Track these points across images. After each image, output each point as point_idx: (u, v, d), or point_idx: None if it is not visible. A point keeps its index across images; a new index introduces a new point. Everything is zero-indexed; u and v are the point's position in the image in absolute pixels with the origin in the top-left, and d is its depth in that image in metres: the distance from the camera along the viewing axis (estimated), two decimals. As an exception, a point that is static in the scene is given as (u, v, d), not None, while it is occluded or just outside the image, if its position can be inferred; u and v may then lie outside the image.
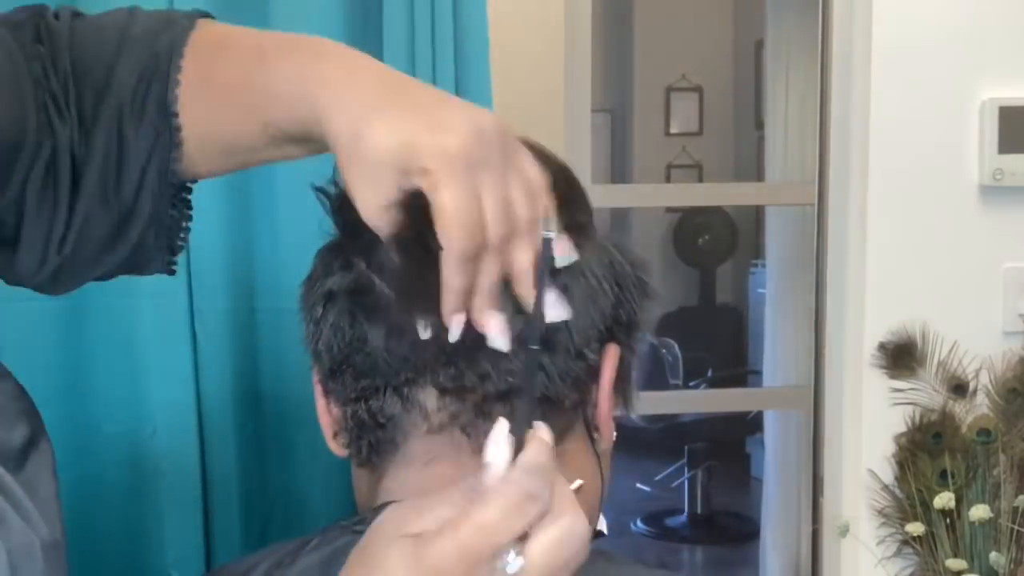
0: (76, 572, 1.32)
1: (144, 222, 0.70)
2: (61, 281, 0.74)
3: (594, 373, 0.69)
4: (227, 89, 0.67)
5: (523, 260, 0.60)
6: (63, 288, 0.75)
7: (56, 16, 0.71)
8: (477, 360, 0.65)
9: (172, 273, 0.76)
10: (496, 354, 0.63)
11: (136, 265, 0.74)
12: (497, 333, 0.61)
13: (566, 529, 0.52)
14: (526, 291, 0.60)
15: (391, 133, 0.58)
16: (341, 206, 0.67)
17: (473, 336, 0.62)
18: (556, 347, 0.66)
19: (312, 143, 0.64)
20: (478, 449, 0.66)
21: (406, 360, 0.65)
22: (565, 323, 0.65)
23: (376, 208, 0.59)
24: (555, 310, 0.62)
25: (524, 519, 0.51)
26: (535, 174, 0.61)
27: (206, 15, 0.72)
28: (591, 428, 0.71)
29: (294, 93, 0.62)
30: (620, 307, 0.70)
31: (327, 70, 0.62)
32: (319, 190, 0.70)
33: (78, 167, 0.68)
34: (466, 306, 0.60)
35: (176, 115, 0.67)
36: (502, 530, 0.50)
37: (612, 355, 0.70)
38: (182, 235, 0.74)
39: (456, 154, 0.57)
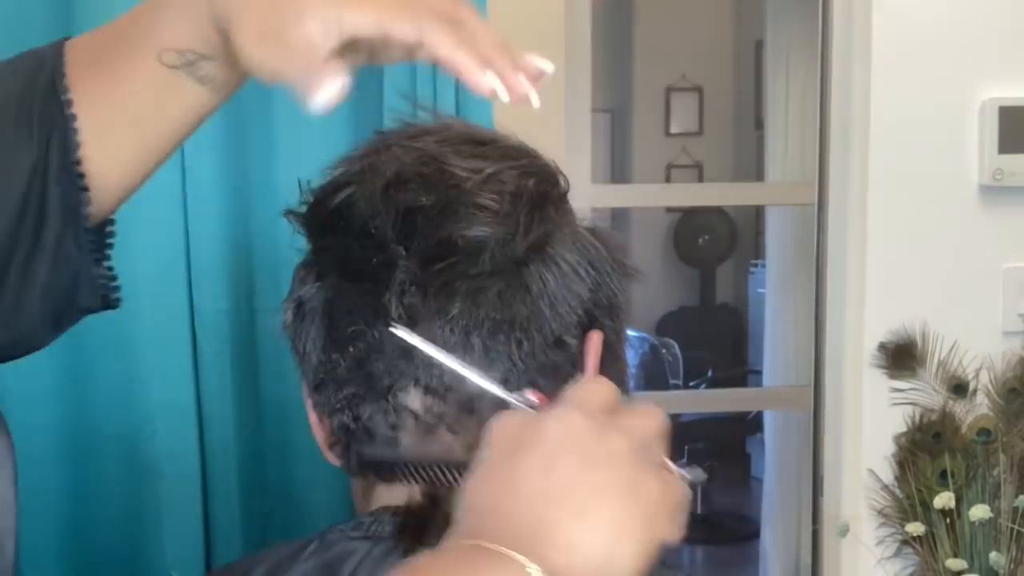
0: (77, 573, 1.32)
1: (57, 225, 0.67)
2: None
3: (577, 361, 0.69)
4: (114, 41, 0.66)
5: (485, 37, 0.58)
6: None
7: None
8: (461, 356, 0.65)
9: (113, 307, 0.74)
10: (471, 351, 0.64)
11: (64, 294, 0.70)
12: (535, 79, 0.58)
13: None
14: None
15: None
16: (310, 220, 0.68)
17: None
18: (531, 338, 0.66)
19: (211, 58, 0.63)
20: (467, 447, 0.66)
21: (384, 366, 0.65)
22: (539, 312, 0.66)
23: (260, 37, 0.58)
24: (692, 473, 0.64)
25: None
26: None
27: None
28: None
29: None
30: (599, 290, 0.69)
31: None
32: (288, 213, 0.71)
33: None
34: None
35: (66, 91, 0.65)
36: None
37: (595, 341, 0.69)
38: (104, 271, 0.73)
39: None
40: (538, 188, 0.68)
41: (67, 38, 0.68)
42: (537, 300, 0.66)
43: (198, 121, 0.68)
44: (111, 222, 0.73)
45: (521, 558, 0.52)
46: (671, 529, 0.57)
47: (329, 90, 0.55)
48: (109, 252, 0.73)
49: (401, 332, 0.62)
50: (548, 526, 0.53)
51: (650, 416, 0.59)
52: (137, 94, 0.65)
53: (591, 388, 0.59)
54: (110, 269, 0.73)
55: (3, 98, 0.66)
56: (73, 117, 0.65)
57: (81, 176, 0.66)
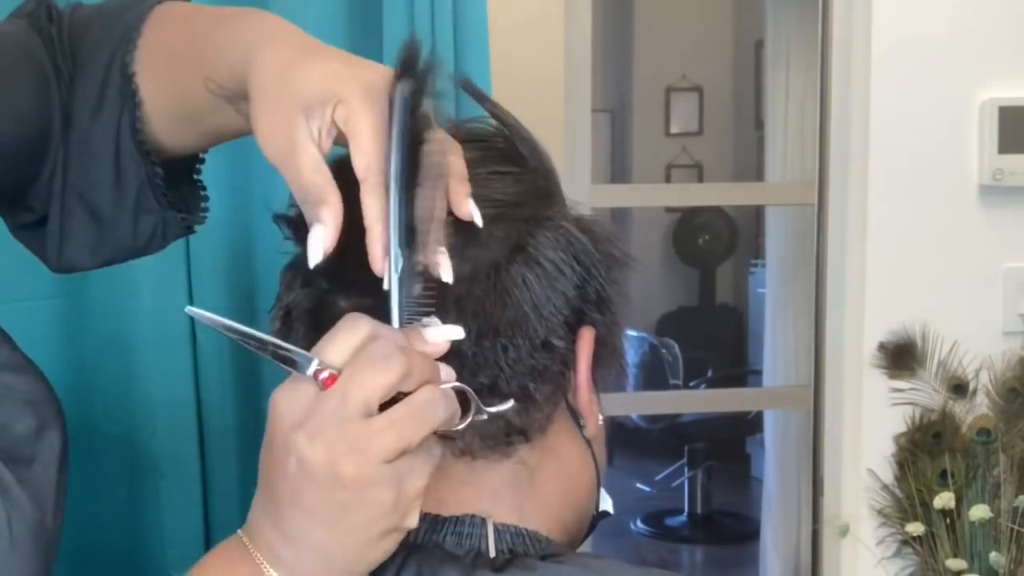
0: (77, 572, 1.33)
1: (135, 187, 0.76)
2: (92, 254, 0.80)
3: (568, 360, 0.68)
4: (180, 51, 0.73)
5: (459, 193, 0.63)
6: (96, 261, 0.81)
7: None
8: (449, 363, 0.64)
9: (190, 232, 0.82)
10: (460, 356, 0.63)
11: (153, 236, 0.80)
12: (445, 269, 0.62)
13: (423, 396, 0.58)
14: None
15: (318, 69, 0.62)
16: (299, 222, 0.67)
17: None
18: (516, 343, 0.64)
19: (246, 99, 0.67)
20: (459, 452, 0.66)
21: None
22: (523, 315, 0.64)
23: (273, 133, 0.63)
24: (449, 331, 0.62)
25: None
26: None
27: None
28: (576, 416, 0.71)
29: (232, 44, 0.67)
30: (586, 285, 0.67)
31: (267, 25, 0.68)
32: (277, 217, 0.70)
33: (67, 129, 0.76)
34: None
35: (134, 75, 0.73)
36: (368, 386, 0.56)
37: (587, 339, 0.68)
38: (199, 206, 0.82)
39: (372, 84, 0.61)
40: (524, 193, 0.67)
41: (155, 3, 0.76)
42: (520, 304, 0.64)
43: (240, 134, 0.74)
44: (198, 161, 0.82)
45: (259, 557, 0.59)
46: (394, 535, 0.59)
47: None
48: (197, 178, 0.82)
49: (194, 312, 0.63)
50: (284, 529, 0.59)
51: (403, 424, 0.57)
52: (188, 101, 0.72)
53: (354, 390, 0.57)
54: (199, 182, 0.82)
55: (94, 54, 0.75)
56: (141, 101, 0.73)
57: (148, 152, 0.74)
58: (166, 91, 0.73)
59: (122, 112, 0.74)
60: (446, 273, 0.61)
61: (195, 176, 0.82)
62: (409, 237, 0.59)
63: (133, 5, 0.76)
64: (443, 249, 0.61)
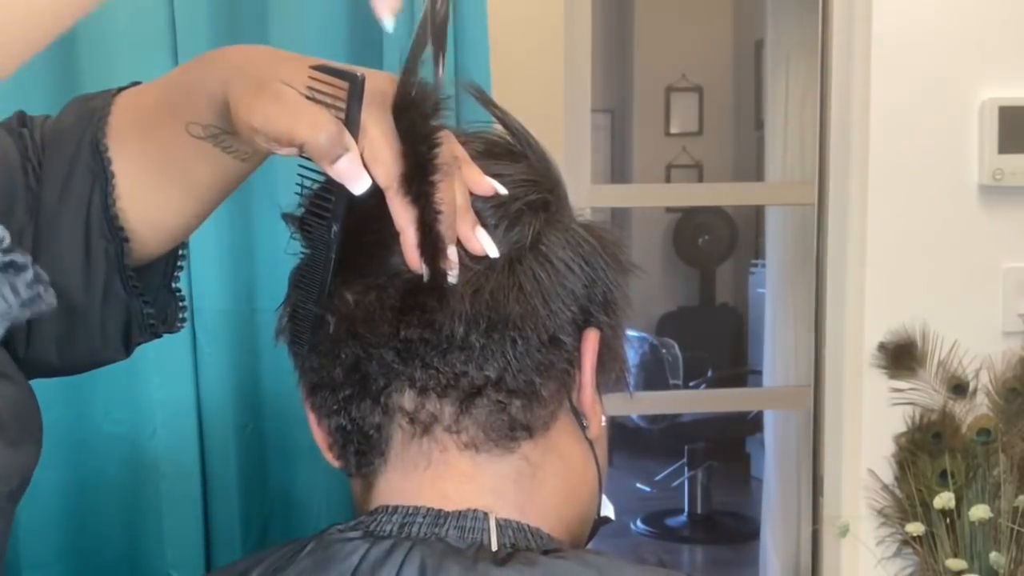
0: (77, 572, 1.32)
1: (103, 270, 0.74)
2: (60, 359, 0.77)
3: (574, 360, 0.69)
4: (153, 108, 0.72)
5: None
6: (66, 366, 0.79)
7: None
8: (450, 358, 0.65)
9: (155, 336, 0.80)
10: (470, 349, 0.64)
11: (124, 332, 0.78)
12: (488, 244, 0.65)
13: None
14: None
15: (306, 71, 0.65)
16: (304, 224, 0.68)
17: (444, 334, 0.64)
18: (525, 336, 0.66)
19: (232, 132, 0.67)
20: (463, 445, 0.67)
21: (379, 368, 0.66)
22: (533, 310, 0.66)
23: (272, 118, 0.63)
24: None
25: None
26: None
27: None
28: (578, 415, 0.71)
29: (208, 76, 0.68)
30: (593, 286, 0.69)
31: (242, 50, 0.69)
32: (285, 216, 0.71)
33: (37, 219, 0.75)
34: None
35: (106, 148, 0.72)
36: None
37: (592, 339, 0.69)
38: (177, 316, 0.81)
39: (374, 91, 0.63)
40: (533, 192, 0.68)
41: (121, 89, 0.75)
42: (531, 298, 0.66)
43: (231, 183, 0.74)
44: (177, 255, 0.80)
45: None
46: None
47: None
48: (175, 281, 0.81)
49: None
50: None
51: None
52: (172, 157, 0.71)
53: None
54: (178, 291, 0.82)
55: (61, 150, 0.74)
56: (112, 174, 0.72)
57: (120, 228, 0.73)
58: (142, 153, 0.72)
59: (93, 189, 0.72)
60: (491, 248, 0.65)
61: (174, 284, 0.81)
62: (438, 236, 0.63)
63: (96, 95, 0.76)
64: (480, 229, 0.65)
